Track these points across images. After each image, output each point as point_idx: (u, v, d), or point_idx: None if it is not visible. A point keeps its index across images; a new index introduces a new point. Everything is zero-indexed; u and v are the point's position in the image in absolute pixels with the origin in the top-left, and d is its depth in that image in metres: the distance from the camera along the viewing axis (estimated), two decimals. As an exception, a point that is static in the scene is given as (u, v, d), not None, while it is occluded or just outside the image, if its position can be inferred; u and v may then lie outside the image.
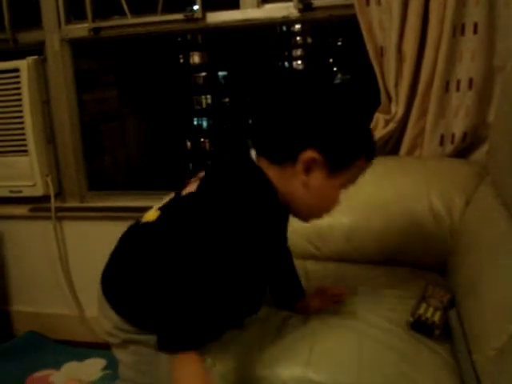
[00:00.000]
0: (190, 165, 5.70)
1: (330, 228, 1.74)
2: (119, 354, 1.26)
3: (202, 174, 1.21)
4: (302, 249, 1.77)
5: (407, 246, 1.68)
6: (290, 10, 2.18)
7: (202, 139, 5.81)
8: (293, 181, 1.13)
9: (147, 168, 4.24)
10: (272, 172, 1.13)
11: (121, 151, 3.97)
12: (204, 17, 2.28)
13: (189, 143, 5.75)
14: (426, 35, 1.87)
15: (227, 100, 5.99)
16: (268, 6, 2.24)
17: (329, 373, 1.17)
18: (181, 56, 6.04)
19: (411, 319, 1.31)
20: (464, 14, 1.83)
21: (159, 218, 1.20)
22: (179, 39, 5.90)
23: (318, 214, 1.20)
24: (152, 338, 1.10)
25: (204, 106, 5.98)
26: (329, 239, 1.75)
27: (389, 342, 1.25)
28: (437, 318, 1.31)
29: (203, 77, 5.98)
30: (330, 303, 1.39)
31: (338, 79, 5.87)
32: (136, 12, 2.41)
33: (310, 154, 1.09)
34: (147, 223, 1.22)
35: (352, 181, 1.17)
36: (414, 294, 1.43)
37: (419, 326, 1.30)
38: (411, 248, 1.68)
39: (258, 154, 1.15)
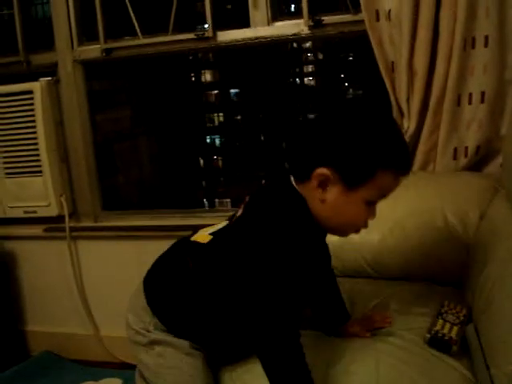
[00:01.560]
0: (203, 182, 5.69)
1: (341, 246, 1.73)
2: (142, 354, 1.28)
3: (247, 198, 1.27)
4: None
5: (423, 262, 1.67)
6: (300, 27, 2.19)
7: (215, 157, 5.80)
8: (313, 197, 1.17)
9: (161, 187, 4.25)
10: (301, 190, 1.19)
11: (134, 170, 3.99)
12: (215, 35, 2.29)
13: (202, 161, 5.74)
14: (437, 49, 1.87)
15: (239, 117, 5.99)
16: (278, 24, 2.25)
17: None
18: (192, 74, 6.04)
19: (428, 336, 1.29)
20: (474, 28, 1.84)
21: (211, 242, 1.25)
22: (190, 58, 5.92)
23: (345, 229, 1.23)
24: (183, 343, 1.23)
25: (216, 123, 5.98)
26: (343, 256, 1.74)
27: (406, 358, 1.24)
28: (454, 333, 1.30)
29: (215, 95, 5.99)
30: (369, 331, 1.37)
31: (349, 95, 5.86)
32: (147, 32, 2.43)
33: (320, 170, 1.13)
34: (199, 243, 1.27)
35: (380, 195, 1.17)
36: (431, 310, 1.42)
37: (436, 343, 1.28)
38: (427, 263, 1.67)
39: (290, 173, 1.22)
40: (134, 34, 2.43)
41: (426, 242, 1.66)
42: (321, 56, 6.14)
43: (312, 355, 1.23)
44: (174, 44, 2.38)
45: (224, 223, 1.29)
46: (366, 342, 1.31)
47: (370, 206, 1.18)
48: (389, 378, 1.18)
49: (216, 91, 6.18)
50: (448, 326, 1.32)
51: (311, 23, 2.16)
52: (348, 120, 1.16)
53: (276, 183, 1.26)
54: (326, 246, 1.40)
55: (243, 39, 2.29)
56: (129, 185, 3.84)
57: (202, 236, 1.27)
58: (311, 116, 6.05)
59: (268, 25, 2.25)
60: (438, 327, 1.32)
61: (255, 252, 1.14)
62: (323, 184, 1.14)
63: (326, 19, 2.15)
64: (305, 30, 2.19)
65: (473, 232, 1.66)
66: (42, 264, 2.72)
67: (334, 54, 5.90)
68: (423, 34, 1.86)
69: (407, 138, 1.94)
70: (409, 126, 1.94)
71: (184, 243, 1.31)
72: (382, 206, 1.63)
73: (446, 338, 1.28)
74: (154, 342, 1.25)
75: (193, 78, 6.21)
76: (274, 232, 1.14)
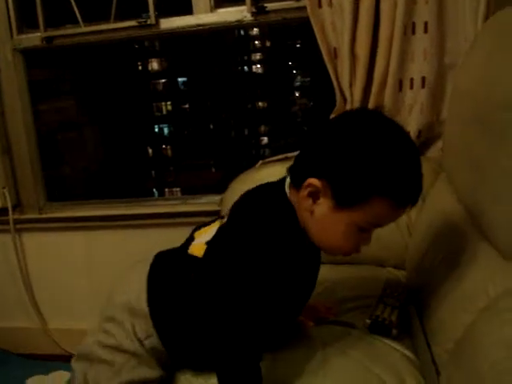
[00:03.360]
0: (153, 172, 5.65)
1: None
2: (99, 350, 1.21)
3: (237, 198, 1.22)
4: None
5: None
6: (243, 13, 2.18)
7: (164, 146, 5.76)
8: (303, 206, 1.11)
9: (108, 177, 4.20)
10: (293, 197, 1.14)
11: (80, 161, 3.93)
12: (157, 23, 2.27)
13: (150, 150, 5.70)
14: (378, 35, 1.89)
15: (187, 106, 5.96)
16: (221, 11, 2.24)
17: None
18: (139, 63, 5.98)
19: (368, 321, 1.32)
20: (414, 13, 1.87)
21: (206, 253, 1.19)
22: (136, 46, 5.85)
23: (332, 248, 1.15)
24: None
25: (164, 112, 5.94)
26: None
27: (351, 343, 1.26)
28: (394, 317, 1.32)
29: (163, 83, 5.94)
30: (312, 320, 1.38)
31: (297, 82, 5.90)
32: (89, 20, 2.39)
33: (311, 180, 1.07)
34: (196, 258, 1.20)
35: (373, 223, 1.10)
36: (374, 294, 1.45)
37: (377, 328, 1.31)
38: (371, 246, 1.69)
39: (289, 176, 1.18)
40: (75, 22, 2.38)
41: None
42: (268, 44, 6.14)
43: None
44: (116, 32, 2.34)
45: (218, 224, 1.23)
46: (311, 330, 1.33)
47: (364, 232, 1.11)
48: (337, 362, 1.20)
49: (163, 80, 6.13)
50: (388, 309, 1.35)
51: (254, 10, 2.16)
52: (355, 133, 1.07)
53: (267, 185, 1.21)
54: (318, 261, 1.31)
55: (186, 26, 2.27)
56: (74, 175, 3.78)
57: (199, 248, 1.21)
58: (260, 104, 6.07)
59: (211, 11, 2.24)
60: (378, 312, 1.34)
61: (236, 261, 1.08)
62: (314, 195, 1.08)
63: (269, 6, 2.15)
64: (248, 17, 2.18)
65: (415, 214, 1.69)
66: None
67: (282, 41, 5.91)
68: (365, 20, 1.88)
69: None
70: (352, 111, 1.96)
71: (183, 257, 1.23)
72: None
73: (387, 322, 1.31)
74: (120, 348, 1.19)
75: (140, 67, 6.15)
76: (254, 240, 1.08)
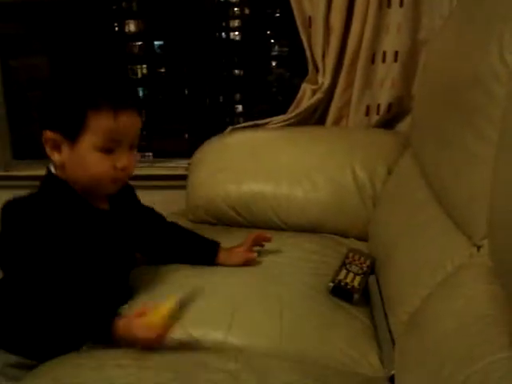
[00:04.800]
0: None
1: (253, 196, 1.76)
2: None
3: None
4: (226, 216, 1.79)
5: (331, 214, 1.72)
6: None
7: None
8: (59, 166, 1.18)
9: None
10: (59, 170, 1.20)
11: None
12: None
13: (123, 113, 5.62)
14: (354, 7, 1.88)
15: (163, 70, 5.89)
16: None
17: (250, 338, 1.19)
18: (116, 24, 5.88)
19: (331, 284, 1.34)
20: (390, -13, 1.86)
21: None
22: (114, 7, 5.75)
23: (97, 183, 1.18)
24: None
25: (139, 75, 5.87)
26: (253, 207, 1.76)
27: (310, 307, 1.28)
28: (356, 283, 1.35)
29: (139, 46, 5.85)
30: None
31: (275, 51, 5.86)
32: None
33: (45, 134, 1.15)
34: None
35: (107, 139, 1.13)
36: (335, 261, 1.47)
37: (339, 291, 1.33)
38: (335, 216, 1.72)
39: None
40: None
41: (335, 196, 1.71)
42: (247, 11, 6.09)
43: (215, 302, 1.25)
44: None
45: None
46: (272, 291, 1.32)
47: (110, 153, 1.15)
48: (292, 327, 1.21)
49: (140, 42, 6.05)
50: (351, 275, 1.37)
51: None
52: (56, 74, 1.21)
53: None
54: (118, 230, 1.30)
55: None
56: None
57: None
58: (236, 72, 6.03)
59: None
60: (341, 277, 1.36)
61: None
62: (57, 148, 1.15)
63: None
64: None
65: (380, 187, 1.71)
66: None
67: (261, 9, 5.86)
68: (341, -9, 1.87)
69: (321, 93, 1.96)
70: (323, 81, 1.96)
71: None
72: (290, 159, 1.67)
73: (349, 286, 1.33)
74: None
75: (116, 28, 6.06)
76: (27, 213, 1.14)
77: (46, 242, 1.10)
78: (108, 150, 1.14)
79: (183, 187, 1.95)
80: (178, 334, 1.14)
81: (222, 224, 1.80)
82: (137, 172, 2.38)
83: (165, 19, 5.79)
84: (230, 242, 1.48)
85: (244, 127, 2.04)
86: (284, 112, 2.04)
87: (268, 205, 1.74)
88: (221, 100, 6.16)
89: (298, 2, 1.93)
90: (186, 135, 5.95)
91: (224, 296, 1.29)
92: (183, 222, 1.73)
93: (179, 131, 5.77)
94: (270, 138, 1.95)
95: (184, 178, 1.99)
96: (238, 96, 6.18)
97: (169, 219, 1.52)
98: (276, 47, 5.92)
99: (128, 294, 1.30)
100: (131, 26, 6.00)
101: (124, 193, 1.29)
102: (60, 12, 3.55)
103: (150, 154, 5.62)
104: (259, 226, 1.74)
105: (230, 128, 2.07)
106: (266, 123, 2.03)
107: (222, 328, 1.19)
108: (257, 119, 2.06)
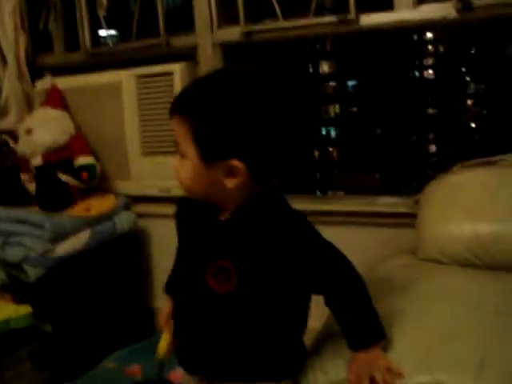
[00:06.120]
0: (318, 174, 5.71)
1: (491, 237, 1.64)
2: None
3: None
4: (463, 257, 1.69)
5: None
6: (448, 10, 2.09)
7: (330, 148, 5.80)
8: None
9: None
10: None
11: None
12: (357, 19, 2.21)
13: (316, 152, 5.76)
14: None
15: (355, 109, 5.96)
16: (424, 7, 2.15)
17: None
18: (310, 65, 6.07)
19: None
20: None
21: None
22: (308, 49, 5.95)
23: None
24: None
25: (332, 115, 5.98)
26: (491, 249, 1.64)
27: None
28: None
29: (332, 86, 5.98)
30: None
31: (471, 89, 5.70)
32: (286, 15, 2.38)
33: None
34: None
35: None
36: None
37: None
38: None
39: None
40: (272, 16, 2.40)
41: None
42: (441, 49, 5.97)
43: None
44: (314, 27, 2.33)
45: None
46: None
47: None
48: None
49: (333, 82, 6.16)
50: None
51: (460, 6, 2.05)
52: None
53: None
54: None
55: (387, 23, 2.20)
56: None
57: None
58: (430, 111, 5.91)
59: (413, 7, 2.15)
60: None
61: None
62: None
63: (477, 2, 2.04)
64: (452, 14, 2.08)
65: None
66: (173, 242, 2.73)
67: (456, 46, 5.74)
68: None
69: None
70: None
71: None
72: None
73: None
74: None
75: (310, 70, 6.23)
76: None
77: None
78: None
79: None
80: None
81: (457, 264, 1.71)
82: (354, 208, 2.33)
83: (358, 59, 5.85)
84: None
85: (475, 164, 1.94)
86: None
87: (510, 247, 1.62)
88: (413, 139, 6.07)
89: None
90: (377, 174, 5.92)
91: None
92: (410, 260, 1.69)
93: (368, 169, 5.76)
94: (507, 176, 1.83)
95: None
96: (431, 135, 6.05)
97: (397, 257, 1.45)
98: (471, 85, 5.74)
99: None
100: (325, 67, 6.12)
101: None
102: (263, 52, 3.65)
103: (342, 192, 5.66)
104: (500, 268, 1.62)
105: (458, 164, 1.98)
106: (499, 160, 1.92)
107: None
108: (454, 162, 1.97)
